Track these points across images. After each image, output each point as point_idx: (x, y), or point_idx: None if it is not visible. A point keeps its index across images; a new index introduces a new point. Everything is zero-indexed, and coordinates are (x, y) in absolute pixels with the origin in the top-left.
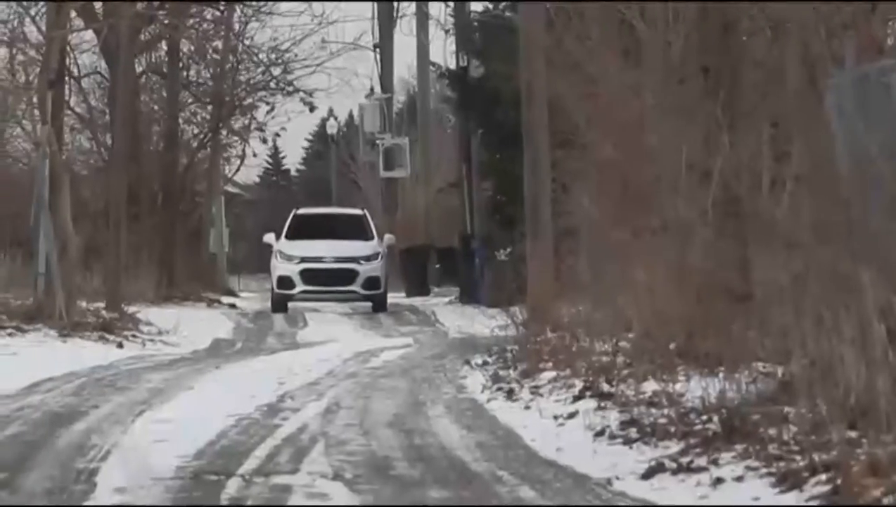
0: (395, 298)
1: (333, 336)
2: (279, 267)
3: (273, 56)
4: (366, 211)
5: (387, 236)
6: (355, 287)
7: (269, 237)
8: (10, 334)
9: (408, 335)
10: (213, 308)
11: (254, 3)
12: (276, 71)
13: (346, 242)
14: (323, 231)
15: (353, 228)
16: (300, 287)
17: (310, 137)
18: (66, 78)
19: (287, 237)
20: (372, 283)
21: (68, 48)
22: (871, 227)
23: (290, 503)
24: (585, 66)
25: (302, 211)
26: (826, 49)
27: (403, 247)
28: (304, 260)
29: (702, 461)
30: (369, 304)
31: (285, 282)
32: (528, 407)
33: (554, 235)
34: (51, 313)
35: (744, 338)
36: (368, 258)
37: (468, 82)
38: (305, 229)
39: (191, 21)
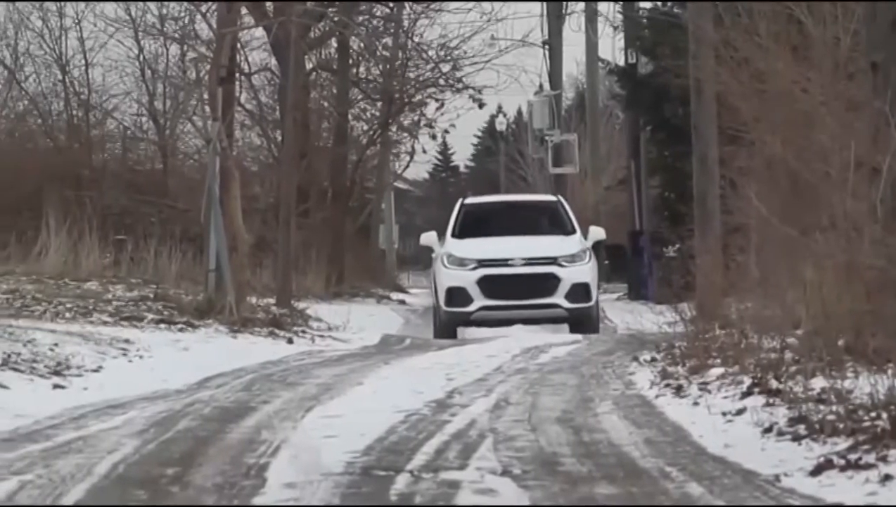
0: None
1: (502, 332)
2: (447, 275)
3: (442, 53)
4: (560, 197)
5: (594, 230)
6: (557, 299)
7: (428, 238)
8: (181, 330)
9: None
10: (382, 304)
11: (423, 0)
12: (446, 68)
13: (540, 239)
14: (503, 226)
15: (545, 220)
16: (479, 302)
17: (479, 134)
18: (237, 75)
19: (455, 235)
20: (580, 293)
21: (239, 45)
22: None
23: (458, 498)
24: (754, 62)
25: (472, 200)
26: None
27: None
28: (482, 264)
29: (870, 458)
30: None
31: (458, 296)
32: (696, 403)
33: (722, 232)
34: (221, 309)
35: None
36: (573, 258)
37: (637, 79)
38: (479, 225)
39: (360, 18)
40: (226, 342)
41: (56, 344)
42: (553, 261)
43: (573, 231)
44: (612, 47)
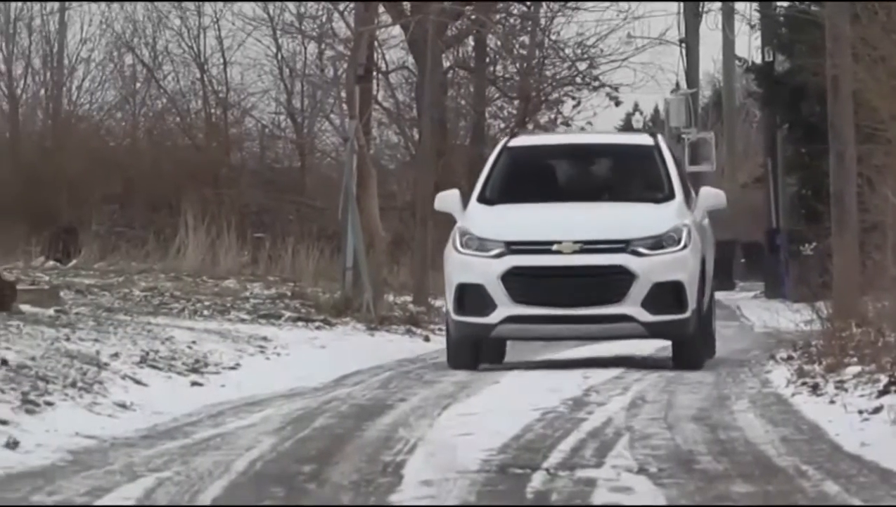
0: None
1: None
2: (458, 265)
3: (579, 51)
4: (660, 136)
5: (705, 192)
6: (627, 307)
7: (446, 200)
8: (318, 328)
9: None
10: None
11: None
12: (582, 66)
13: (612, 208)
14: (562, 185)
15: (629, 177)
16: (505, 309)
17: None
18: (374, 73)
19: (482, 199)
20: (666, 297)
21: (376, 43)
22: None
23: (594, 496)
24: (891, 59)
25: (521, 141)
26: None
27: None
28: (513, 248)
29: None
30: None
31: (472, 299)
32: (832, 402)
33: (859, 230)
34: (358, 307)
35: None
36: (658, 242)
37: (773, 77)
38: (525, 182)
39: (498, 17)
40: (363, 340)
41: (194, 342)
42: (624, 246)
43: (670, 195)
44: (749, 45)
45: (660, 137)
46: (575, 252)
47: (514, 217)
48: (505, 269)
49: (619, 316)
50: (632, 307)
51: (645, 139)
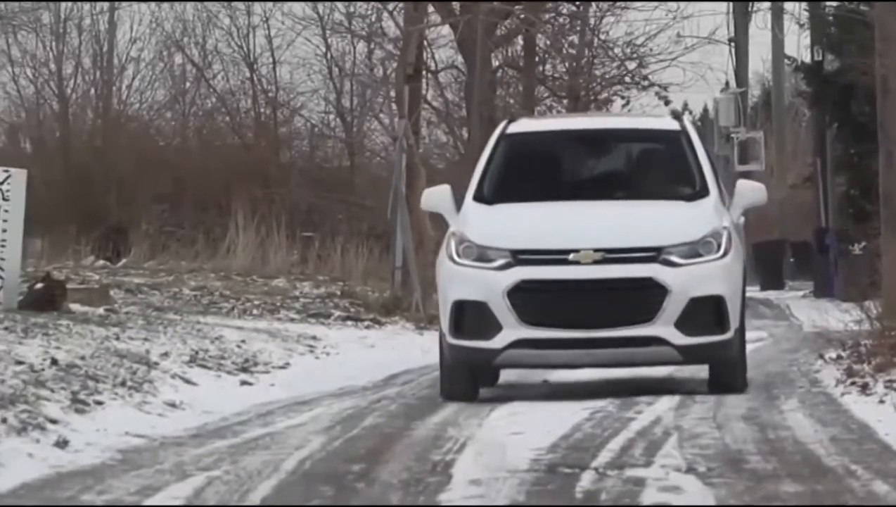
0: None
1: None
2: (455, 278)
3: (628, 50)
4: (686, 123)
5: (743, 186)
6: (659, 327)
7: (436, 198)
8: (367, 327)
9: (762, 329)
10: None
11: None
12: (631, 65)
13: (636, 207)
14: (572, 179)
15: (653, 169)
16: (513, 331)
17: None
18: (424, 72)
19: (480, 197)
20: (704, 315)
21: (425, 43)
22: None
23: (643, 496)
24: None
25: (522, 127)
26: None
27: (757, 241)
28: (519, 259)
29: None
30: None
31: (473, 318)
32: (882, 401)
33: None
34: (407, 306)
35: None
36: (695, 249)
37: (822, 76)
38: (528, 176)
39: (547, 16)
40: (412, 339)
41: (243, 341)
42: (654, 254)
43: (703, 191)
44: (798, 45)
45: (686, 120)
46: (596, 262)
47: (520, 220)
48: (511, 283)
49: (649, 339)
50: (664, 328)
51: (670, 123)
